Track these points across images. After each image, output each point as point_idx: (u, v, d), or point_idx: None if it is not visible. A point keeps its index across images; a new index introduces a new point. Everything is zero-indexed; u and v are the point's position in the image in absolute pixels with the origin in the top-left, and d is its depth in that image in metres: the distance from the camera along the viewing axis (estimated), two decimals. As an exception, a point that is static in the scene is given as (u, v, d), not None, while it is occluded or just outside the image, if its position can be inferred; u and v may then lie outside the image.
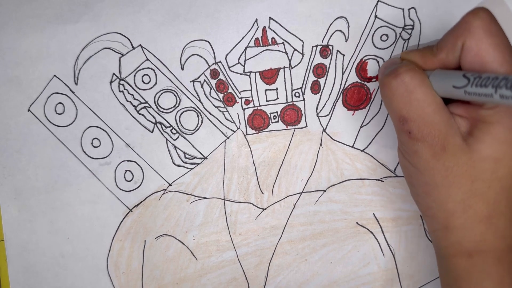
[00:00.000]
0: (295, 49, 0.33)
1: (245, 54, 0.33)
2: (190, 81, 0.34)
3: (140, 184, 0.34)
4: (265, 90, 0.34)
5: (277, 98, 0.34)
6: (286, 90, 0.34)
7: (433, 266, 0.34)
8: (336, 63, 0.33)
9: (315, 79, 0.34)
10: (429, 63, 0.26)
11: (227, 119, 0.34)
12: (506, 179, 0.25)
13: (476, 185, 0.25)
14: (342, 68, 0.33)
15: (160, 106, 0.34)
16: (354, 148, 0.34)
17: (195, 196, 0.34)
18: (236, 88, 0.34)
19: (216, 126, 0.34)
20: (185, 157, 0.34)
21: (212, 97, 0.34)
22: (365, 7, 0.33)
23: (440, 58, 0.25)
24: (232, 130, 0.34)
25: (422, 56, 0.26)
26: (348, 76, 0.33)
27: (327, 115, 0.34)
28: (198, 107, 0.34)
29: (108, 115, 0.34)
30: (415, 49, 0.27)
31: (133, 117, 0.34)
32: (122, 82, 0.33)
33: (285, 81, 0.33)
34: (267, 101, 0.34)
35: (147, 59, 0.33)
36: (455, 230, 0.26)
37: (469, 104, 0.25)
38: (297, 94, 0.34)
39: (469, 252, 0.26)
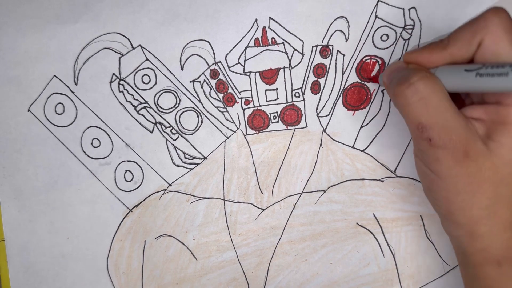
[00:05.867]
0: (295, 49, 0.33)
1: (245, 54, 0.33)
2: (190, 81, 0.33)
3: (140, 184, 0.34)
4: (265, 90, 0.34)
5: (277, 98, 0.34)
6: (286, 90, 0.33)
7: (433, 266, 0.34)
8: (336, 63, 0.33)
9: (315, 79, 0.33)
10: (437, 58, 0.25)
11: (227, 119, 0.34)
12: None
13: (500, 190, 0.24)
14: (342, 68, 0.33)
15: (160, 106, 0.34)
16: (354, 148, 0.34)
17: (195, 196, 0.34)
18: (236, 88, 0.34)
19: (216, 126, 0.34)
20: (185, 157, 0.34)
21: (212, 97, 0.34)
22: (365, 7, 0.33)
23: (451, 51, 0.25)
24: (232, 130, 0.34)
25: (429, 52, 0.25)
26: (348, 76, 0.33)
27: (327, 115, 0.34)
28: (198, 107, 0.34)
29: (108, 115, 0.34)
30: (419, 48, 0.27)
31: (133, 117, 0.34)
32: (122, 82, 0.33)
33: (285, 81, 0.33)
34: (267, 101, 0.34)
35: (147, 59, 0.33)
36: (481, 237, 0.25)
37: (486, 104, 0.25)
38: (297, 94, 0.34)
39: (498, 260, 0.25)
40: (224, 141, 0.34)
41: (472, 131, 0.24)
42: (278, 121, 0.34)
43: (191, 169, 0.34)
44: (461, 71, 0.24)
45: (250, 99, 0.34)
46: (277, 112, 0.34)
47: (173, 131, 0.34)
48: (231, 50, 0.33)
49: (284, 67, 0.33)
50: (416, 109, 0.24)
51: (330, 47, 0.33)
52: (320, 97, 0.34)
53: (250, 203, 0.34)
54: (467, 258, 0.26)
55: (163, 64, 0.33)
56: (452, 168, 0.24)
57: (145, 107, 0.34)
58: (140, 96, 0.33)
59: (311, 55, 0.33)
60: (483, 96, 0.25)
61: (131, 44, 0.33)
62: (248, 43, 0.33)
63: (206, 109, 0.34)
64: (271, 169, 0.34)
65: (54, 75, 0.33)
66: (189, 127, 0.34)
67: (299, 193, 0.34)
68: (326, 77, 0.33)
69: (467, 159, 0.24)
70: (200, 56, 0.33)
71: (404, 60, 0.27)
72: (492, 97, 0.25)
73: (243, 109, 0.34)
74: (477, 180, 0.24)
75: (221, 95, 0.34)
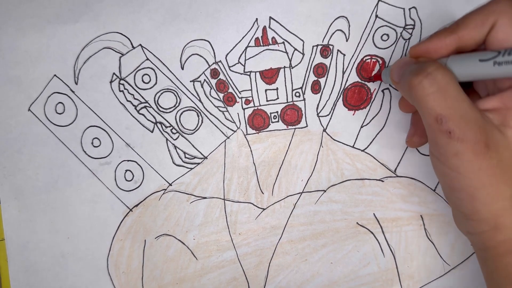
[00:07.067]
0: (295, 49, 0.33)
1: (245, 53, 0.33)
2: (190, 81, 0.33)
3: (140, 184, 0.34)
4: (265, 90, 0.34)
5: (277, 98, 0.34)
6: (286, 90, 0.33)
7: (433, 266, 0.34)
8: (336, 63, 0.33)
9: (316, 79, 0.33)
10: (446, 44, 0.25)
11: (227, 119, 0.34)
12: None
13: None
14: (343, 68, 0.33)
15: (160, 106, 0.34)
16: (355, 148, 0.34)
17: (195, 196, 0.34)
18: (236, 88, 0.34)
19: (216, 126, 0.34)
20: (185, 157, 0.34)
21: (212, 96, 0.34)
22: (366, 6, 0.33)
23: (461, 35, 0.24)
24: (232, 130, 0.34)
25: (437, 38, 0.25)
26: (348, 76, 0.33)
27: (328, 115, 0.34)
28: (198, 107, 0.34)
29: (108, 114, 0.34)
30: (424, 38, 0.26)
31: (133, 116, 0.34)
32: (122, 81, 0.33)
33: (285, 81, 0.33)
34: (267, 101, 0.34)
35: (147, 59, 0.33)
36: (506, 229, 0.24)
37: (500, 92, 0.24)
38: (297, 94, 0.34)
39: None
40: (225, 140, 0.34)
41: (488, 121, 0.24)
42: (278, 121, 0.34)
43: (191, 168, 0.34)
44: (475, 61, 0.23)
45: (250, 98, 0.34)
46: (277, 112, 0.34)
47: (174, 130, 0.34)
48: (232, 49, 0.33)
49: (284, 67, 0.33)
50: (435, 100, 0.23)
51: (331, 47, 0.33)
52: (321, 96, 0.34)
53: (250, 203, 0.34)
54: (488, 253, 0.26)
55: (164, 64, 0.33)
56: (474, 162, 0.23)
57: (145, 107, 0.34)
58: (141, 95, 0.33)
59: (311, 54, 0.33)
60: (497, 83, 0.25)
61: (131, 43, 0.33)
62: (249, 43, 0.33)
63: (206, 109, 0.34)
64: (271, 168, 0.34)
65: (55, 75, 0.33)
66: (189, 126, 0.34)
67: (299, 193, 0.34)
68: (327, 77, 0.33)
69: (489, 150, 0.23)
70: (201, 56, 0.33)
71: (411, 54, 0.26)
72: (507, 82, 0.24)
73: (244, 109, 0.34)
74: (499, 171, 0.23)
75: (221, 95, 0.34)
